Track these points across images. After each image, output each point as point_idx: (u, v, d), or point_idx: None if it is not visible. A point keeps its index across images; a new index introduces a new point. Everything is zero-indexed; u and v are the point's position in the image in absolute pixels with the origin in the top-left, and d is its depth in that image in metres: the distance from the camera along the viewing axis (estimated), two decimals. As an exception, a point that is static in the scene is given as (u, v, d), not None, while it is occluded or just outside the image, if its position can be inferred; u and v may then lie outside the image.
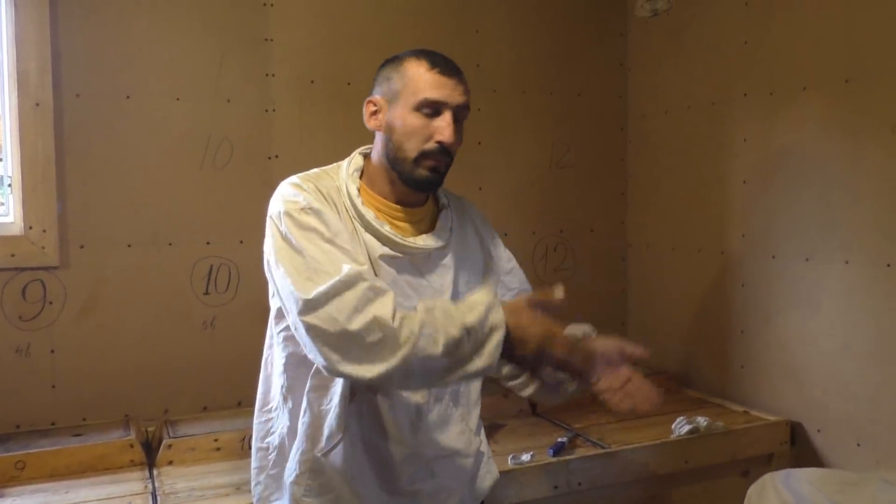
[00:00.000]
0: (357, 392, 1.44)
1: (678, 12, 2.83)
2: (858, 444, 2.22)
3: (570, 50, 2.98)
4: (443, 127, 1.42)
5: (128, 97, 2.36)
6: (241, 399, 2.44)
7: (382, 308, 1.25)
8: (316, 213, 1.37)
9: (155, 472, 2.07)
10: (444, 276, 1.50)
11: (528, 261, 2.92)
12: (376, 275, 1.43)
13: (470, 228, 1.62)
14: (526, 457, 2.10)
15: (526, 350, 1.30)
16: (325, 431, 1.45)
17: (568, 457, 2.14)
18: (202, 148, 2.45)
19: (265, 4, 2.51)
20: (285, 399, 1.51)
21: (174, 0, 2.40)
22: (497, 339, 1.27)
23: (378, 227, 1.44)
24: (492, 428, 2.39)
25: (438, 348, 1.24)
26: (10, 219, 2.29)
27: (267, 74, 2.52)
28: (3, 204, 2.36)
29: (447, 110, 1.43)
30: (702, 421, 2.31)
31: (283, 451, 1.53)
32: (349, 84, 2.55)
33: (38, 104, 2.24)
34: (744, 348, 2.60)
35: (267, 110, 2.53)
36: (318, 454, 1.45)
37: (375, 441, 1.46)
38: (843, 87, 2.22)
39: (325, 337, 1.25)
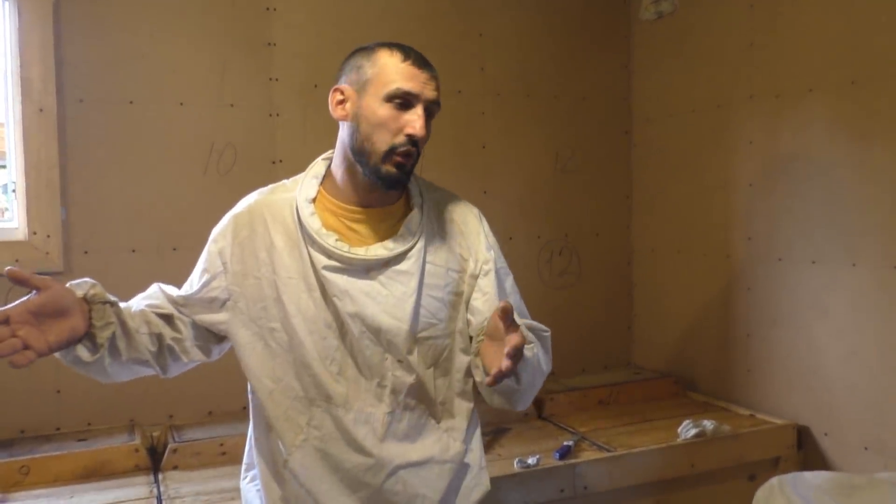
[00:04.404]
0: (314, 402, 1.44)
1: (683, 15, 2.83)
2: (866, 448, 2.21)
3: (575, 54, 2.98)
4: (413, 120, 1.38)
5: (131, 103, 2.36)
6: (246, 404, 2.42)
7: None
8: (214, 248, 1.49)
9: (160, 476, 2.07)
10: (406, 284, 1.45)
11: (533, 265, 2.91)
12: (323, 286, 1.43)
13: (450, 228, 1.54)
14: (532, 460, 2.10)
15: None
16: (280, 440, 1.46)
17: (574, 460, 2.14)
18: (206, 153, 2.46)
19: (268, 9, 2.51)
20: (250, 405, 1.55)
21: (177, 6, 2.41)
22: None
23: (321, 240, 1.42)
24: (497, 432, 2.39)
25: None
26: (14, 224, 2.30)
27: (270, 79, 2.52)
28: (7, 210, 2.37)
29: (419, 103, 1.39)
30: (708, 424, 2.30)
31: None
32: (353, 88, 2.55)
33: (41, 110, 2.25)
34: (750, 352, 2.59)
35: (270, 115, 2.53)
36: (279, 465, 1.47)
37: (335, 451, 1.44)
38: (850, 88, 2.21)
39: None
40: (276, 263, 1.44)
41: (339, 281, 1.42)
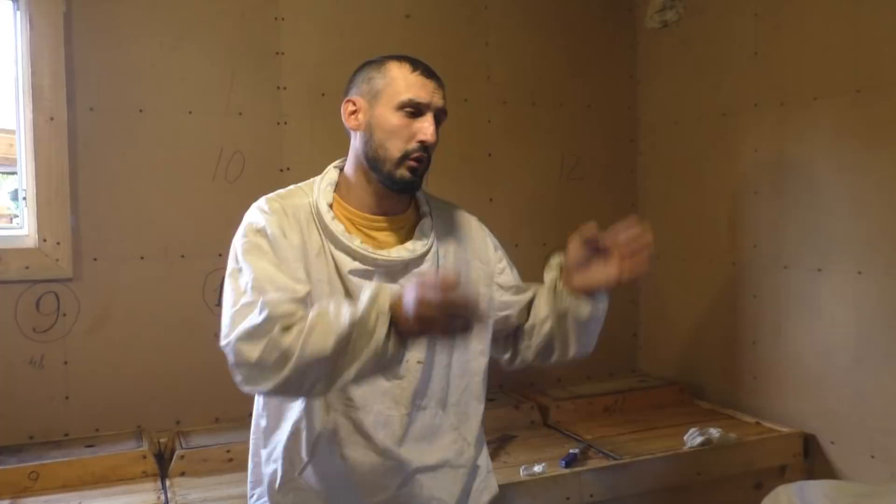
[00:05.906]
0: (332, 406, 1.45)
1: (688, 24, 2.84)
2: (872, 457, 2.20)
3: (580, 62, 2.99)
4: (425, 127, 1.45)
5: (140, 111, 2.38)
6: (253, 411, 2.44)
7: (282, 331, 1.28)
8: (268, 236, 1.41)
9: (167, 482, 2.07)
10: None
11: (538, 273, 2.90)
12: (346, 289, 1.43)
13: (457, 234, 1.61)
14: (538, 468, 2.10)
15: (409, 327, 1.25)
16: (297, 448, 1.47)
17: (580, 468, 2.14)
18: (214, 161, 2.47)
19: (276, 18, 2.53)
20: (262, 415, 1.56)
21: (186, 15, 2.43)
22: (383, 325, 1.24)
23: (346, 241, 1.45)
24: (503, 440, 2.39)
25: (328, 346, 1.24)
26: (24, 231, 2.31)
27: (278, 87, 2.54)
28: (17, 217, 2.39)
29: (428, 111, 1.46)
30: (714, 432, 2.30)
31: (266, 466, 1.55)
32: (360, 97, 2.56)
33: (52, 118, 2.27)
34: (756, 359, 2.59)
35: (278, 123, 2.54)
36: (295, 473, 1.47)
37: (354, 455, 1.45)
38: (854, 97, 2.21)
39: (235, 365, 1.34)
40: (307, 262, 1.46)
41: (365, 285, 1.43)
